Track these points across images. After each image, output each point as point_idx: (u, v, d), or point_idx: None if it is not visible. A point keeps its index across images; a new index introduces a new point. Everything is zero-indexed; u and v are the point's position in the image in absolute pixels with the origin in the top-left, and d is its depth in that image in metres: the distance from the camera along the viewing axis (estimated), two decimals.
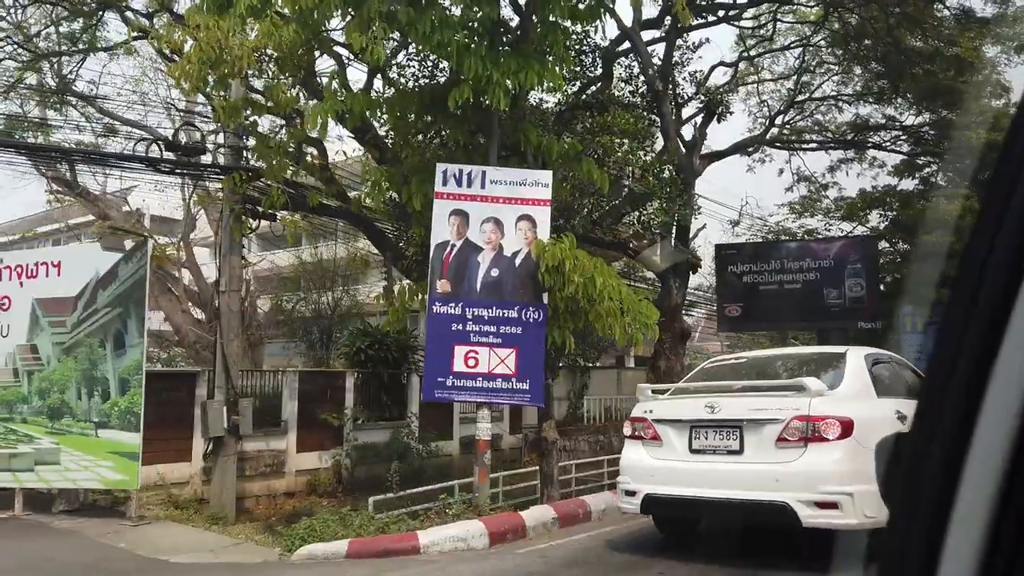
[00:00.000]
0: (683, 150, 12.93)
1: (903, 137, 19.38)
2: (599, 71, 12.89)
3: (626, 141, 11.46)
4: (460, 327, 8.19)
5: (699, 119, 13.68)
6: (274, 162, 10.41)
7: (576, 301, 8.31)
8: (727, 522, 6.13)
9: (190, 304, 20.30)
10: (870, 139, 19.71)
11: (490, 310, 8.26)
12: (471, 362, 8.14)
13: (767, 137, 18.83)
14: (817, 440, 5.23)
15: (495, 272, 8.36)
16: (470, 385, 8.16)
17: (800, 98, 19.01)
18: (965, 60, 14.65)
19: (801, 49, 17.96)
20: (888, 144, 19.68)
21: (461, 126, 8.93)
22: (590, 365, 21.19)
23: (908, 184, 21.74)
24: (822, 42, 17.76)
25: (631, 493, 6.10)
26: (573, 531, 7.27)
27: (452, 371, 8.13)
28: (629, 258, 13.99)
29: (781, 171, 22.32)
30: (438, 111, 8.80)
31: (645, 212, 11.44)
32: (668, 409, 6.16)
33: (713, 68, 15.25)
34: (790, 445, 5.34)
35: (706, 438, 5.77)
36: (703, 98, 14.00)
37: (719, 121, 13.81)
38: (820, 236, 20.32)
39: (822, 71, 18.80)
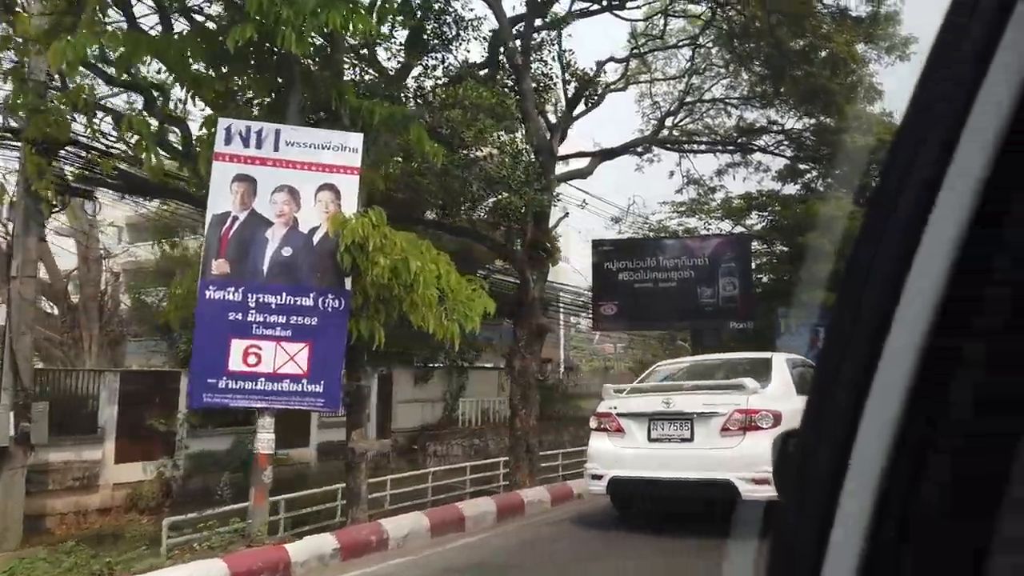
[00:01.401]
0: (545, 133, 11.94)
1: (786, 142, 19.46)
2: (467, 50, 11.76)
3: (482, 117, 10.32)
4: (239, 316, 6.73)
5: (563, 102, 12.81)
6: (51, 120, 8.65)
7: (389, 288, 7.08)
8: (680, 497, 6.88)
9: (42, 298, 18.01)
10: (755, 143, 19.67)
11: (279, 297, 6.85)
12: (252, 359, 6.69)
13: (658, 137, 18.48)
14: (754, 429, 6.23)
15: (287, 251, 6.96)
16: (249, 388, 6.70)
17: (690, 99, 18.81)
18: (839, 58, 14.54)
19: (691, 50, 17.66)
20: (772, 148, 19.72)
21: (259, 81, 7.52)
22: (467, 365, 20.09)
23: (791, 189, 22.04)
24: (710, 43, 17.52)
25: (598, 477, 7.05)
26: (355, 565, 5.97)
27: (227, 370, 6.66)
28: (492, 251, 12.89)
29: (671, 173, 22.18)
30: (229, 61, 7.33)
31: (502, 197, 10.35)
32: (630, 404, 7.08)
33: (603, 64, 14.60)
34: (732, 433, 6.35)
35: (663, 429, 6.75)
36: (572, 80, 13.12)
37: (587, 105, 12.95)
38: (697, 234, 20.07)
39: (711, 74, 18.70)
